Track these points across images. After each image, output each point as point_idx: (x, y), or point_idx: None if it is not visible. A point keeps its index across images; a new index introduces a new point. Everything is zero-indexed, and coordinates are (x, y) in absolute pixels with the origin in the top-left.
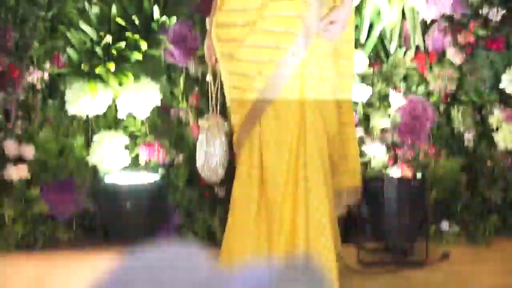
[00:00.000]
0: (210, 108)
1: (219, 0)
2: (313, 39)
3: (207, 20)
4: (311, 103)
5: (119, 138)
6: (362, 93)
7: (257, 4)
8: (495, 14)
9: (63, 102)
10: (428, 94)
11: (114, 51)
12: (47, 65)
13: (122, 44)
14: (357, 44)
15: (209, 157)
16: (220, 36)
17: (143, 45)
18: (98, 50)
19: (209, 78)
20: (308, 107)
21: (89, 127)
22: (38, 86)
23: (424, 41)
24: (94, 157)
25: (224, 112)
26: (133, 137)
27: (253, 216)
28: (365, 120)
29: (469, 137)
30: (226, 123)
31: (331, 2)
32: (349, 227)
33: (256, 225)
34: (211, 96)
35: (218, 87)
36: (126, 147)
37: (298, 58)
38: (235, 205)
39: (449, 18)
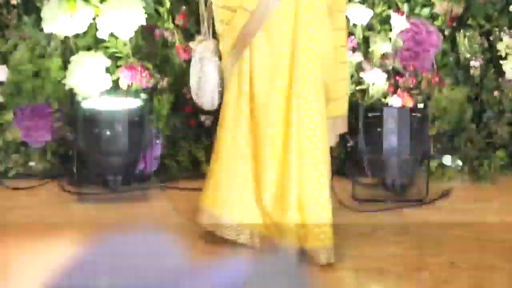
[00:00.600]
0: (202, 30)
1: None
2: None
3: None
4: (306, 25)
5: (99, 60)
6: (362, 15)
7: None
8: None
9: (39, 20)
10: (433, 17)
11: None
12: None
13: None
14: None
15: (204, 83)
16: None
17: None
18: None
19: None
20: (302, 29)
21: (67, 48)
22: (13, 1)
23: None
24: (72, 80)
25: (216, 35)
26: (114, 58)
27: (242, 152)
28: (365, 44)
29: (475, 64)
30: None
31: None
32: (344, 159)
33: (244, 162)
34: (202, 17)
35: (210, 7)
36: (107, 70)
37: None
38: (222, 136)
39: None
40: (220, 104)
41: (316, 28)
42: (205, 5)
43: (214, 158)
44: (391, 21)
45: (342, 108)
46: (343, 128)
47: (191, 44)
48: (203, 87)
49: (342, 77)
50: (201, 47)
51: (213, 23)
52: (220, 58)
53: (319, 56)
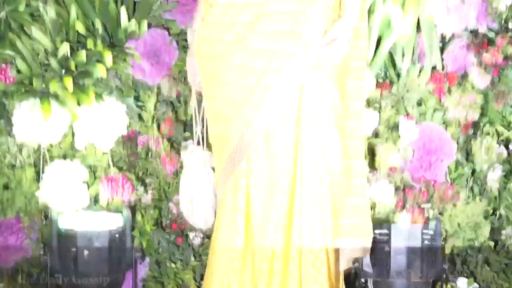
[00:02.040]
0: (195, 139)
1: (203, 9)
2: (313, 59)
3: (188, 31)
4: (310, 136)
5: (76, 171)
6: (368, 120)
7: (248, 17)
8: None
9: (10, 125)
10: (446, 123)
11: (72, 64)
12: None
13: (82, 55)
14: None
15: (196, 199)
16: (203, 52)
17: (108, 58)
18: (53, 62)
19: (192, 103)
20: (306, 140)
21: (40, 157)
22: None
23: (442, 59)
24: (46, 194)
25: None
26: (93, 169)
27: (238, 270)
28: (370, 154)
29: (493, 176)
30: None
31: (335, 14)
32: (349, 284)
33: (240, 280)
34: (196, 125)
35: (203, 113)
36: (85, 182)
37: (294, 81)
38: (215, 256)
39: (473, 33)
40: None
41: (322, 138)
42: (198, 111)
43: (206, 282)
44: (400, 128)
45: (359, 229)
46: (362, 251)
47: (182, 154)
48: (195, 204)
49: (358, 195)
50: (193, 158)
51: (206, 131)
52: (214, 170)
53: (326, 170)
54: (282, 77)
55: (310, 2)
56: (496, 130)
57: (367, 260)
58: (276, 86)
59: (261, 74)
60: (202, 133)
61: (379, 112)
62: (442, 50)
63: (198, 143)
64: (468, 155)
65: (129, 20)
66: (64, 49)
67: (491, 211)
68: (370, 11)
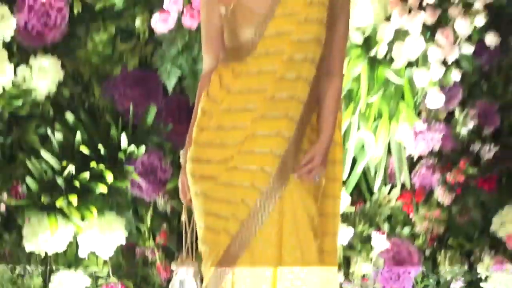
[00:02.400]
0: (185, 251)
1: (194, 131)
2: (291, 179)
3: (181, 152)
4: (291, 247)
5: (79, 280)
6: (343, 234)
7: (237, 140)
8: (487, 151)
9: (20, 237)
10: (414, 236)
11: (77, 183)
12: (4, 195)
13: (86, 175)
14: None
15: None
16: (194, 172)
17: (109, 177)
18: (60, 181)
19: (183, 217)
20: (286, 251)
21: (47, 266)
22: None
23: (410, 178)
24: None
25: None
26: (94, 278)
27: None
28: (345, 264)
29: (456, 287)
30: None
31: (314, 135)
32: None
33: None
34: (186, 237)
35: (193, 227)
36: None
37: (272, 200)
38: None
39: (437, 155)
40: None
41: (304, 245)
42: (189, 223)
43: None
44: (372, 241)
45: None
46: None
47: (173, 264)
48: None
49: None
50: (182, 269)
51: (196, 243)
52: (202, 280)
53: (304, 282)
54: (263, 195)
55: (290, 126)
56: (459, 243)
57: None
58: (257, 204)
59: (244, 192)
60: (192, 244)
61: (354, 226)
62: (410, 170)
63: (188, 254)
64: (433, 266)
65: (128, 144)
66: (70, 169)
67: None
68: (345, 136)
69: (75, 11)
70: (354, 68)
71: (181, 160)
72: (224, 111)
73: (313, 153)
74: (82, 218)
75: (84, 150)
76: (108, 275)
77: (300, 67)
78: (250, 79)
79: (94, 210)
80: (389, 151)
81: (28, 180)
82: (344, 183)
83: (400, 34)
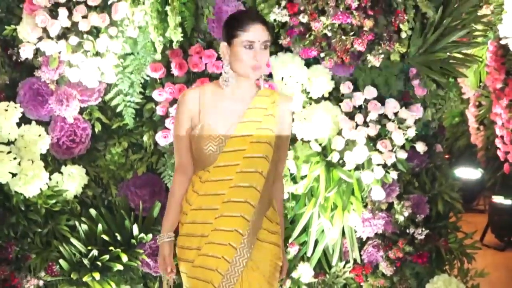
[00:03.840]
0: None
1: (179, 225)
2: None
3: (157, 236)
4: None
5: None
6: None
7: (205, 232)
8: (420, 233)
9: None
10: None
11: (99, 263)
12: (42, 273)
13: (106, 256)
14: (304, 258)
15: None
16: (180, 256)
17: (124, 258)
18: (86, 261)
19: (165, 285)
20: None
21: None
22: None
23: (360, 255)
24: None
25: None
26: None
27: None
28: None
29: None
30: None
31: (271, 225)
32: None
33: None
34: None
35: None
36: None
37: (233, 278)
38: None
39: (381, 236)
40: None
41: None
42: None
43: None
44: None
45: None
46: None
47: None
48: None
49: None
50: None
51: None
52: None
53: None
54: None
55: (244, 224)
56: None
57: None
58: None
59: (211, 275)
60: None
61: None
62: (360, 249)
63: None
64: None
65: (139, 232)
66: (93, 252)
67: None
68: (308, 223)
69: (96, 130)
70: (314, 170)
71: (158, 243)
72: (195, 210)
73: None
74: None
75: (105, 237)
76: None
77: (250, 177)
78: (213, 185)
79: (112, 284)
80: (343, 234)
81: (61, 261)
82: (309, 259)
83: (350, 144)
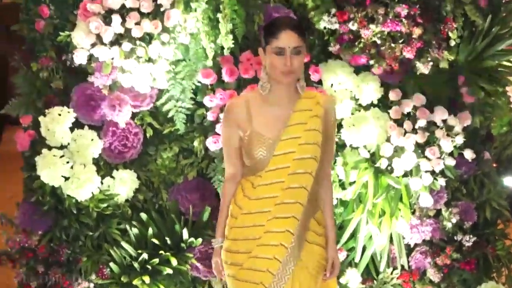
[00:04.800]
0: None
1: (226, 230)
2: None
3: (212, 240)
4: None
5: None
6: None
7: (256, 235)
8: (468, 240)
9: None
10: None
11: (149, 266)
12: (93, 276)
13: (156, 260)
14: (352, 264)
15: None
16: (227, 260)
17: (174, 261)
18: (136, 265)
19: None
20: None
21: None
22: None
23: (408, 262)
24: None
25: None
26: None
27: None
28: None
29: None
30: None
31: (319, 228)
32: None
33: None
34: None
35: None
36: None
37: (283, 279)
38: None
39: (429, 243)
40: None
41: None
42: None
43: None
44: None
45: None
46: None
47: None
48: None
49: None
50: None
51: None
52: None
53: None
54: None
55: (294, 223)
56: None
57: None
58: (272, 284)
59: (261, 276)
60: None
61: None
62: (408, 255)
63: None
64: None
65: (189, 236)
66: (144, 256)
67: None
68: (357, 229)
69: (148, 135)
70: (362, 177)
71: (214, 246)
72: (246, 214)
73: (331, 259)
74: None
75: (155, 241)
76: None
77: (301, 178)
78: (265, 189)
79: (162, 287)
80: (391, 241)
81: (112, 264)
82: (356, 265)
83: (398, 151)
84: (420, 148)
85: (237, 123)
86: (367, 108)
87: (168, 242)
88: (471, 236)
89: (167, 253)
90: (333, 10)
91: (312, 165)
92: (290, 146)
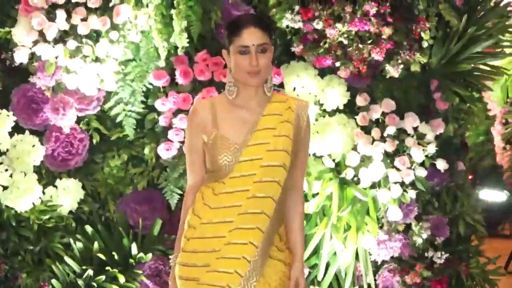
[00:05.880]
0: None
1: (182, 241)
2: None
3: (171, 257)
4: None
5: None
6: None
7: (216, 247)
8: (439, 257)
9: None
10: None
11: (94, 284)
12: None
13: (102, 277)
14: (315, 282)
15: None
16: (182, 275)
17: (121, 279)
18: (80, 282)
19: None
20: None
21: None
22: None
23: (375, 280)
24: None
25: None
26: None
27: None
28: None
29: None
30: None
31: (281, 243)
32: None
33: None
34: None
35: None
36: None
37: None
38: None
39: (397, 260)
40: None
41: None
42: None
43: None
44: None
45: None
46: None
47: None
48: None
49: None
50: None
51: None
52: None
53: None
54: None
55: (259, 236)
56: None
57: None
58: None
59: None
60: None
61: None
62: (374, 273)
63: None
64: None
65: (138, 251)
66: (89, 272)
67: None
68: (320, 244)
69: (94, 141)
70: (327, 188)
71: (171, 264)
72: (205, 224)
73: (295, 278)
74: None
75: (101, 256)
76: None
77: (268, 187)
78: (228, 197)
79: None
80: (356, 257)
81: (54, 281)
82: (319, 283)
83: (365, 160)
84: (389, 158)
85: (201, 127)
86: (332, 114)
87: (116, 257)
88: (443, 252)
89: (114, 270)
90: (297, 7)
91: (280, 174)
92: (257, 152)
